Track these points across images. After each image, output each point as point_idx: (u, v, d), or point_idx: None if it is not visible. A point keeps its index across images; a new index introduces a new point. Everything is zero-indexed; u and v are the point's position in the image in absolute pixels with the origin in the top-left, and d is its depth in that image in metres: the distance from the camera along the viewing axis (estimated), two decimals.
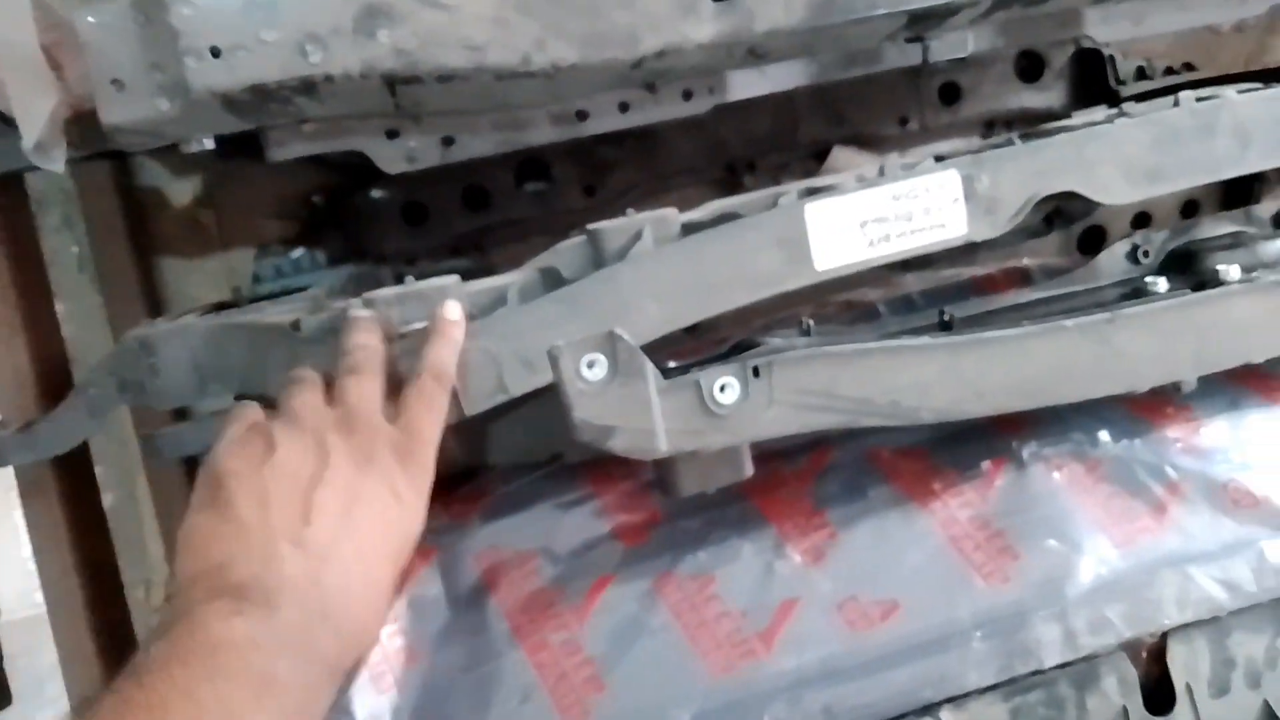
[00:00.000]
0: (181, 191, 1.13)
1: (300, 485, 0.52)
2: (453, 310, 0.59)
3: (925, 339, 0.57)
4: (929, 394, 0.57)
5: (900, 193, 0.61)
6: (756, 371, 0.55)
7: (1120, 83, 0.96)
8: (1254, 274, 0.63)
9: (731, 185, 1.21)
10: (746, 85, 0.73)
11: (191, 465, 1.08)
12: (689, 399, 0.54)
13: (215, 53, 0.56)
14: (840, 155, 1.22)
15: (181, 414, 1.03)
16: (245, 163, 1.06)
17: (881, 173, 0.62)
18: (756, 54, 0.65)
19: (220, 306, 0.84)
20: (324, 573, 0.51)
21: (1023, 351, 0.58)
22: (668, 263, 0.59)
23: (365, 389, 0.56)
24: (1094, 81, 0.97)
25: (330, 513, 0.52)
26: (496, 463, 0.67)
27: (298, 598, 0.49)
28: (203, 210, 1.14)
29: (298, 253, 1.13)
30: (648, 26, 0.61)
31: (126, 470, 1.10)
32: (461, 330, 0.58)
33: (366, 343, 0.58)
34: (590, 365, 0.53)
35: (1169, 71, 1.01)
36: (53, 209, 1.06)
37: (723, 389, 0.55)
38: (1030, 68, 0.97)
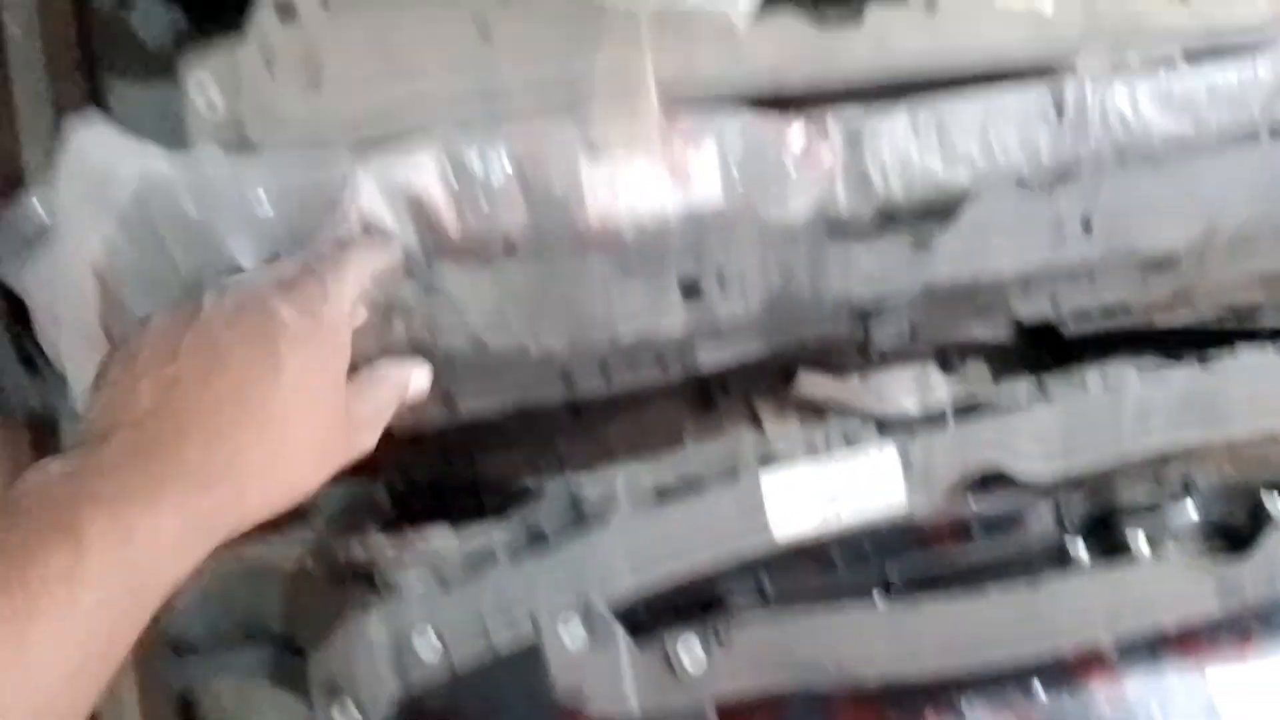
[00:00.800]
0: None
1: (168, 337, 0.50)
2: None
3: (867, 609, 0.64)
4: (872, 659, 0.64)
5: (845, 467, 0.70)
6: (719, 639, 0.62)
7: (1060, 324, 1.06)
8: (1162, 544, 0.71)
9: (705, 403, 1.30)
10: (715, 355, 0.82)
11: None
12: (658, 666, 0.61)
13: None
14: (805, 379, 1.32)
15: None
16: None
17: (828, 445, 0.70)
18: (720, 336, 0.75)
19: None
20: (170, 401, 0.47)
21: (955, 616, 0.66)
22: (640, 530, 0.67)
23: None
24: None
25: (195, 350, 0.49)
26: None
27: (132, 432, 0.45)
28: None
29: None
30: (624, 318, 0.70)
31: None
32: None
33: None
34: (569, 631, 0.59)
35: (1106, 313, 1.12)
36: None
37: (690, 654, 0.62)
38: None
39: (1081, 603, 0.67)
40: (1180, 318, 1.12)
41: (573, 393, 0.81)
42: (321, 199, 0.68)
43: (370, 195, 0.68)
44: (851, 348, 1.00)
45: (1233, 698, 0.71)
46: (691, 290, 0.71)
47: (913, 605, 0.65)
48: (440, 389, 0.79)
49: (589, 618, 0.60)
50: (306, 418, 0.51)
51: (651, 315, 0.71)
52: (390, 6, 0.76)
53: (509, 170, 0.71)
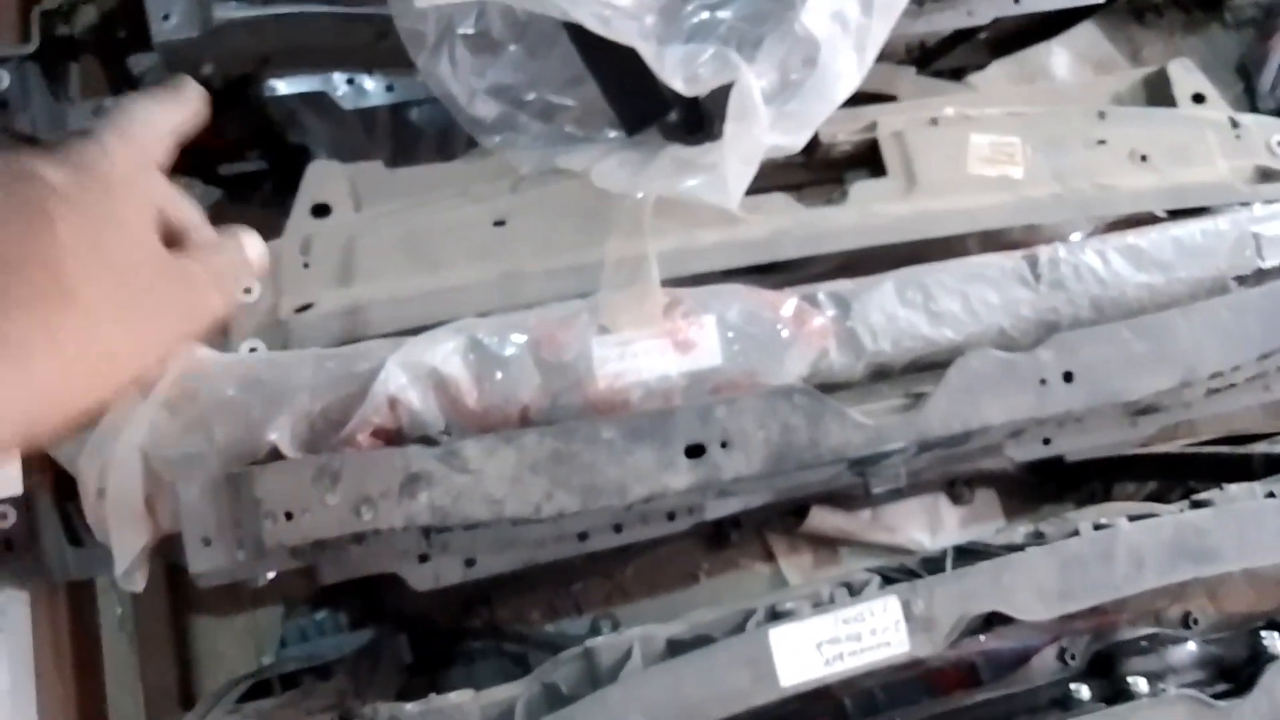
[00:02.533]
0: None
1: None
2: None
3: None
4: None
5: (849, 616, 0.73)
6: None
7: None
8: (1161, 684, 0.73)
9: (719, 541, 1.33)
10: (722, 506, 0.87)
11: None
12: None
13: (289, 516, 0.70)
14: (816, 515, 1.36)
15: None
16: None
17: (832, 599, 0.73)
18: (726, 492, 0.79)
19: (249, 693, 0.93)
20: None
21: None
22: (653, 685, 0.69)
23: None
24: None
25: None
26: None
27: None
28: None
29: (320, 614, 1.23)
30: (635, 479, 0.75)
31: None
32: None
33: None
34: None
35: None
36: (111, 601, 1.17)
37: None
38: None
39: None
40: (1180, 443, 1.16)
41: (587, 549, 0.85)
42: (355, 385, 0.74)
43: (398, 380, 0.74)
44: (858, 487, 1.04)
45: None
46: (697, 451, 0.76)
47: None
48: (461, 552, 0.83)
49: None
50: (100, 281, 0.46)
51: (659, 477, 0.75)
52: (415, 204, 0.85)
53: (524, 348, 0.77)
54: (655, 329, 0.80)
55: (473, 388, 0.76)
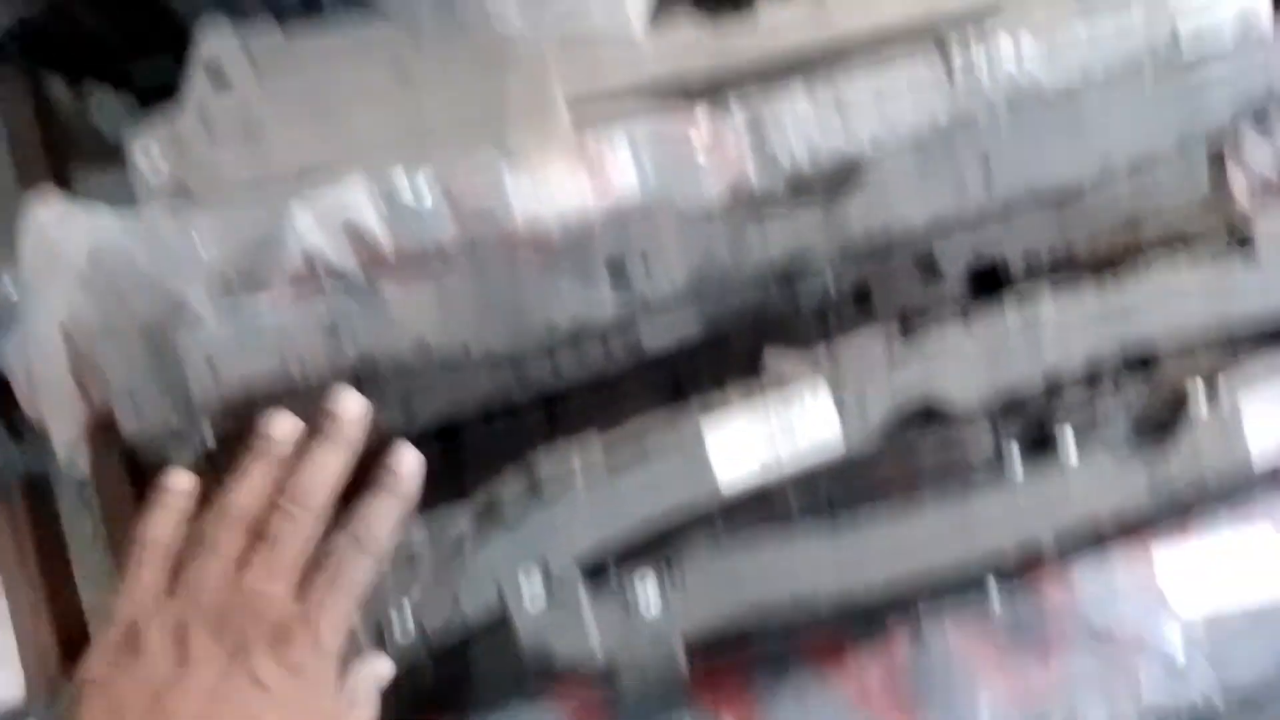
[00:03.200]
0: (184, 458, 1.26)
1: (154, 694, 0.48)
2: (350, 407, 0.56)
3: (812, 537, 0.68)
4: (821, 584, 0.68)
5: (779, 407, 0.74)
6: (673, 580, 0.66)
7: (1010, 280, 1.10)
8: (1092, 447, 0.75)
9: (676, 396, 1.34)
10: (659, 339, 0.88)
11: None
12: (617, 611, 0.65)
13: (213, 370, 0.70)
14: (772, 358, 1.37)
15: None
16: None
17: (762, 393, 0.75)
18: (654, 315, 0.80)
19: None
20: None
21: (896, 534, 0.69)
22: (590, 495, 0.71)
23: (259, 567, 0.51)
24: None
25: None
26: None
27: None
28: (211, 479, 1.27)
29: None
30: (560, 309, 0.75)
31: None
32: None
33: (319, 467, 0.54)
34: (532, 595, 0.64)
35: (1055, 266, 1.16)
36: (70, 493, 1.18)
37: (648, 600, 0.66)
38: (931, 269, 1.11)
39: (1018, 508, 0.71)
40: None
41: (526, 387, 0.86)
42: (264, 237, 0.74)
43: (309, 228, 0.74)
44: (812, 327, 1.03)
45: (1185, 587, 0.74)
46: (619, 277, 0.76)
47: (855, 528, 0.69)
48: (397, 398, 0.84)
49: (548, 577, 0.64)
50: None
51: (583, 304, 0.76)
52: (314, 64, 0.84)
53: (438, 195, 0.77)
54: (568, 165, 0.79)
55: (388, 237, 0.76)
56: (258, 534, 0.53)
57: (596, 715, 0.71)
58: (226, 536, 0.53)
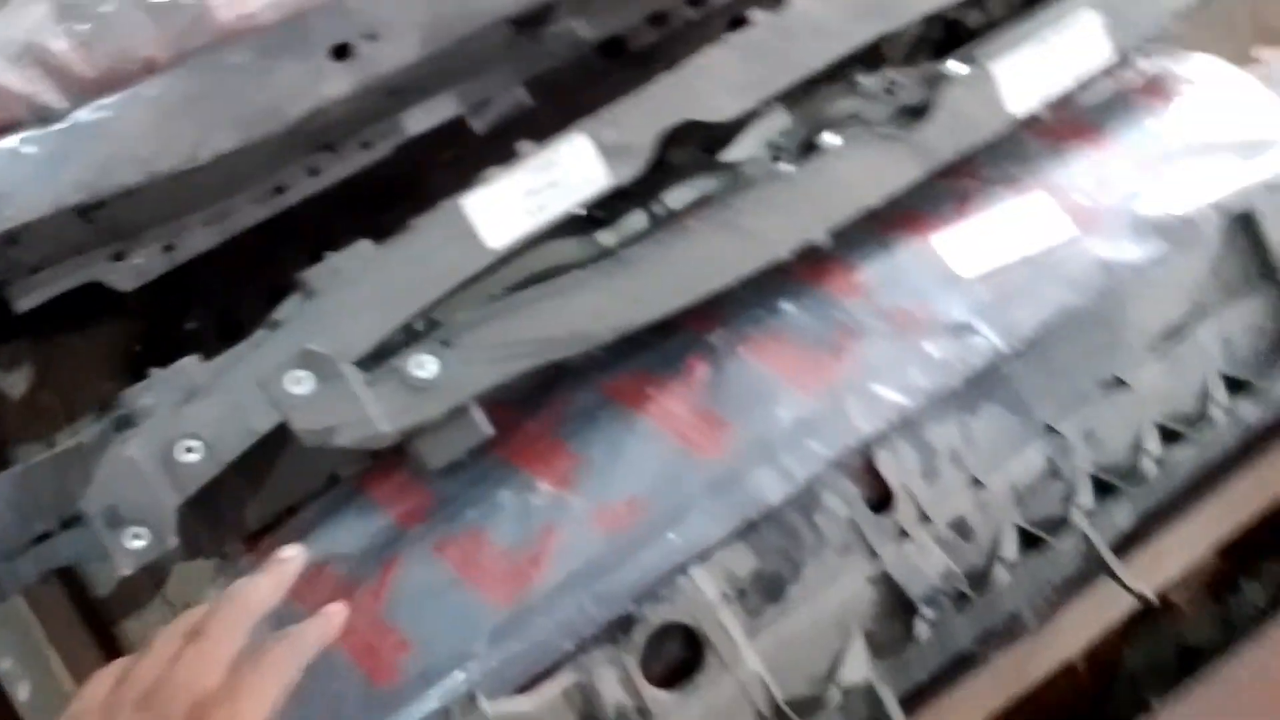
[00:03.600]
0: (16, 382, 1.19)
1: None
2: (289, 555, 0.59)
3: (578, 272, 0.67)
4: (600, 316, 0.67)
5: (540, 165, 0.71)
6: (447, 343, 0.65)
7: None
8: (857, 135, 0.74)
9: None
10: (417, 121, 0.84)
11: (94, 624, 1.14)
12: (394, 383, 0.64)
13: None
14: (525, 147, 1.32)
15: None
16: (64, 337, 1.14)
17: (517, 154, 0.72)
18: (396, 91, 0.76)
19: None
20: None
21: (667, 258, 0.69)
22: (359, 283, 0.68)
23: (190, 660, 0.55)
24: None
25: None
26: (289, 505, 0.75)
27: None
28: (42, 393, 1.21)
29: None
30: (287, 97, 0.71)
31: (35, 654, 1.14)
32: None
33: (248, 591, 0.58)
34: (297, 381, 0.62)
35: None
36: None
37: (423, 366, 0.64)
38: None
39: (786, 207, 0.70)
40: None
41: (288, 202, 0.82)
42: None
43: None
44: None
45: (963, 256, 0.75)
46: (343, 51, 0.71)
47: (625, 259, 0.68)
48: (159, 237, 0.80)
49: (313, 365, 0.62)
50: None
51: (313, 88, 0.71)
52: None
53: None
54: None
55: (81, 54, 0.69)
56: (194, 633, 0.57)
57: (423, 517, 0.71)
58: (165, 638, 0.57)
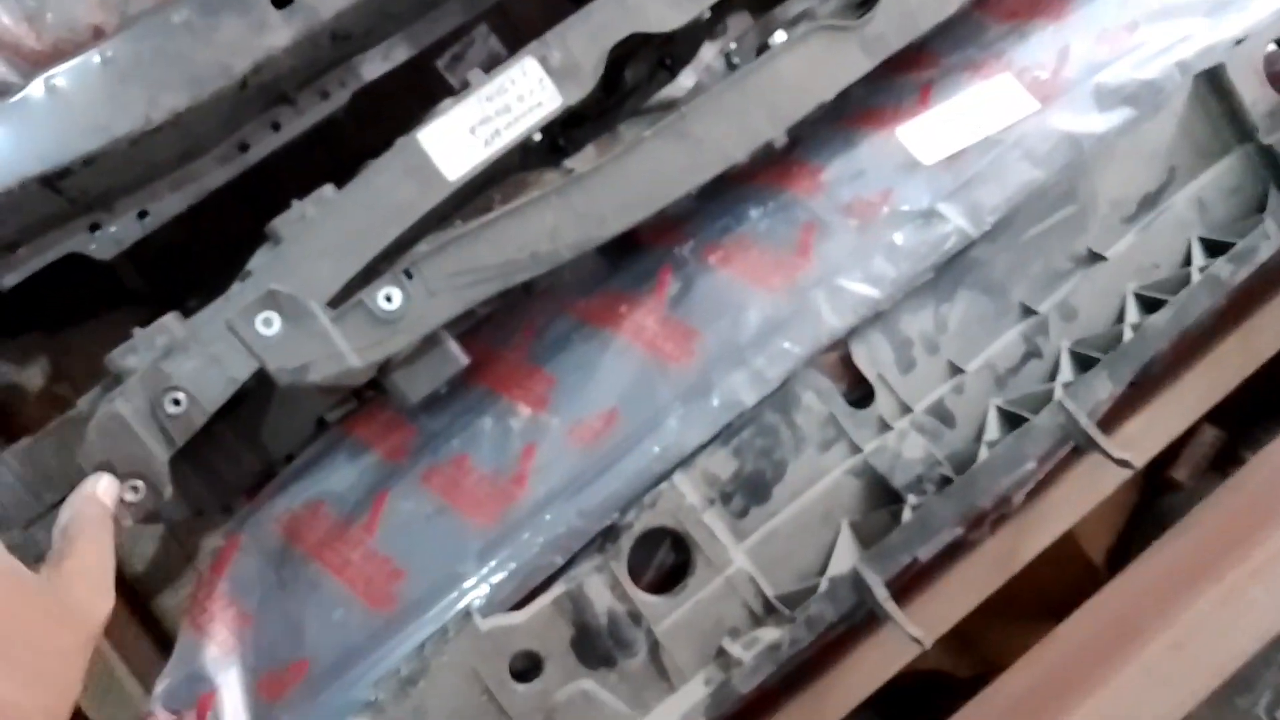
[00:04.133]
0: (33, 376, 1.22)
1: None
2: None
3: (533, 193, 0.67)
4: (559, 235, 0.67)
5: (491, 93, 0.71)
6: (409, 274, 0.65)
7: None
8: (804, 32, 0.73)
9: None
10: (373, 67, 0.84)
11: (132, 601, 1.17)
12: (361, 317, 0.64)
13: None
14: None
15: None
16: (76, 330, 1.16)
17: (467, 84, 0.72)
18: (343, 37, 0.76)
19: None
20: None
21: (622, 173, 0.68)
22: (324, 226, 0.69)
23: None
24: None
25: None
26: (283, 456, 0.77)
27: None
28: (58, 385, 1.24)
29: None
30: (233, 53, 0.71)
31: None
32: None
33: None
34: (266, 323, 0.63)
35: None
36: None
37: (388, 298, 0.65)
38: None
39: (735, 110, 0.70)
40: None
41: (253, 159, 0.82)
42: None
43: None
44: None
45: (926, 144, 0.74)
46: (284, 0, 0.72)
47: (576, 178, 0.68)
48: (131, 205, 0.81)
49: (280, 306, 0.63)
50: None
51: (259, 40, 0.71)
52: None
53: None
54: None
55: (26, 27, 0.70)
56: None
57: (408, 451, 0.72)
58: None
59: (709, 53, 0.87)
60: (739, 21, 0.83)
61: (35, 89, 0.69)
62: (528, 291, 0.69)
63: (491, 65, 0.99)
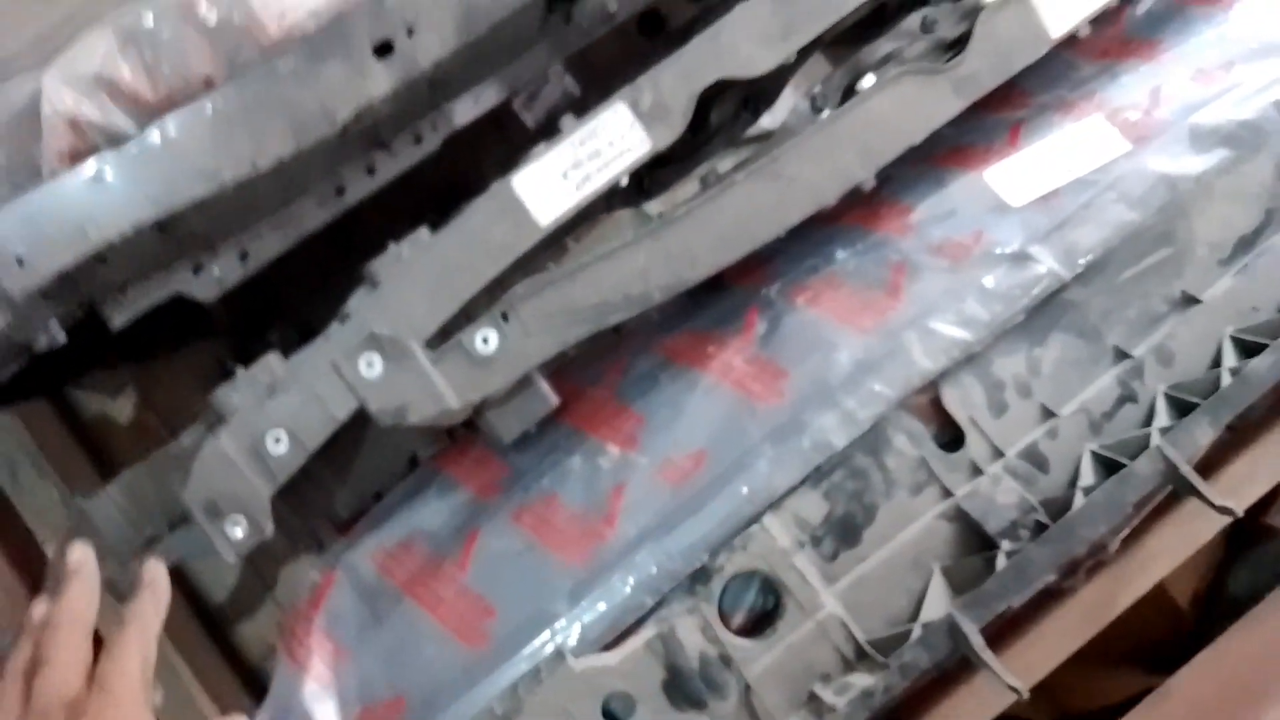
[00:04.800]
0: (123, 408, 1.27)
1: None
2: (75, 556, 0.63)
3: (628, 237, 0.68)
4: (651, 277, 0.68)
5: (583, 138, 0.73)
6: (505, 317, 0.67)
7: None
8: (894, 74, 0.73)
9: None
10: (464, 111, 0.86)
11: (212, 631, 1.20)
12: (460, 358, 0.66)
13: (20, 261, 0.70)
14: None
15: None
16: (161, 361, 1.20)
17: (550, 125, 0.73)
18: (439, 83, 0.78)
19: None
20: None
21: (713, 214, 0.69)
22: (420, 269, 0.71)
23: (47, 676, 0.57)
24: None
25: None
26: (374, 493, 0.78)
27: None
28: (146, 415, 1.28)
29: None
30: (336, 99, 0.74)
31: (164, 662, 1.21)
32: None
33: (65, 606, 0.60)
34: (369, 365, 0.65)
35: None
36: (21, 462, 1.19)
37: (485, 340, 0.66)
38: None
39: (826, 152, 0.70)
40: None
41: (349, 203, 0.85)
42: (23, 122, 0.72)
43: (64, 100, 0.72)
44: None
45: (1015, 185, 0.74)
46: (385, 49, 0.74)
47: (671, 219, 0.69)
48: (233, 246, 0.84)
49: (381, 347, 0.65)
50: None
51: (360, 88, 0.74)
52: None
53: (176, 21, 0.74)
54: None
55: (144, 79, 0.73)
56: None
57: (500, 489, 0.73)
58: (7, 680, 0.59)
59: (790, 96, 0.87)
60: (817, 66, 0.84)
61: (150, 136, 0.72)
62: (616, 332, 0.70)
63: (567, 104, 1.02)
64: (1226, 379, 0.68)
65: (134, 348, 1.17)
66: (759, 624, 0.66)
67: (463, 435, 0.76)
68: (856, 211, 0.75)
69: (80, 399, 1.23)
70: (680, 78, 0.74)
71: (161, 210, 0.72)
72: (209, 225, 0.79)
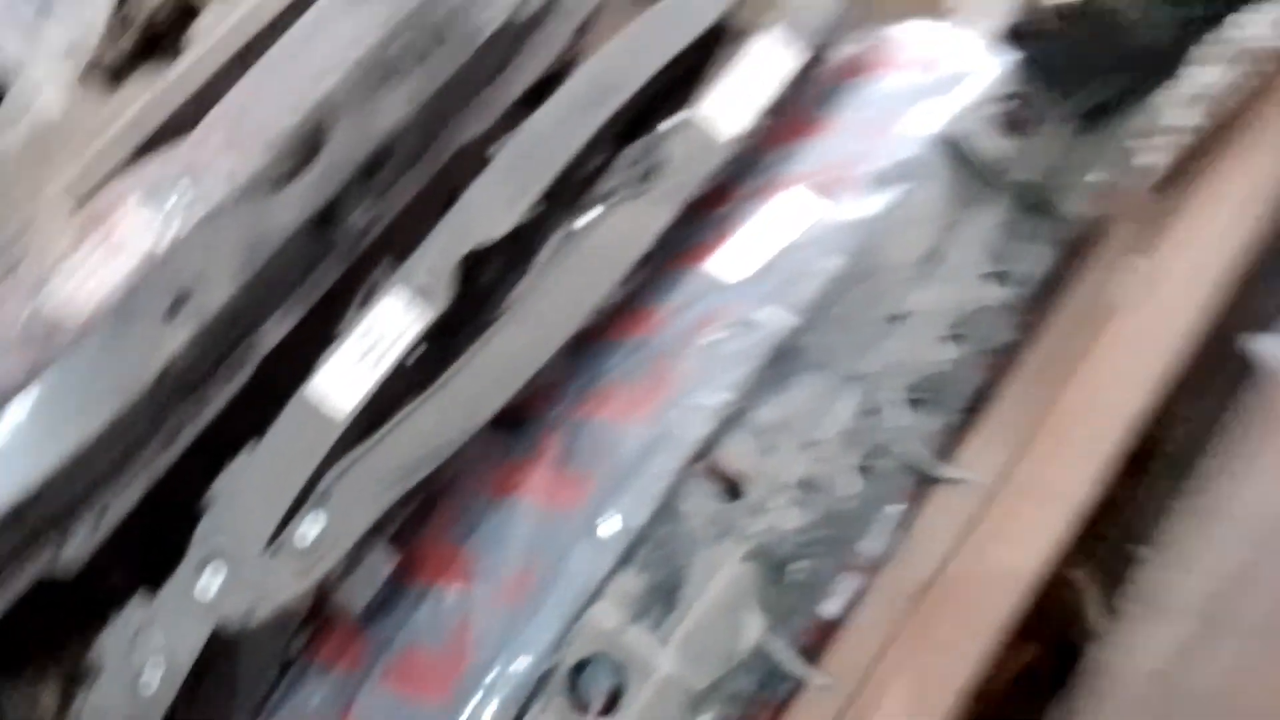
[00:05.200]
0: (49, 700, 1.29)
1: None
2: None
3: (419, 398, 0.78)
4: (442, 431, 0.77)
5: (364, 330, 0.83)
6: (324, 501, 0.75)
7: None
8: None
9: None
10: (272, 335, 0.97)
11: None
12: (291, 550, 0.74)
13: None
14: None
15: None
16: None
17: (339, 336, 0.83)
18: (238, 319, 0.89)
19: None
20: None
21: (482, 364, 0.79)
22: (246, 486, 0.79)
23: None
24: None
25: None
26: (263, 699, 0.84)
27: None
28: None
29: None
30: (142, 362, 0.83)
31: None
32: None
33: None
34: (213, 574, 0.72)
35: None
36: None
37: (311, 527, 0.75)
38: None
39: (568, 284, 0.82)
40: None
41: (185, 440, 0.94)
42: None
43: None
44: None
45: (734, 266, 0.86)
46: (175, 309, 0.84)
47: (447, 378, 0.78)
48: (83, 520, 0.91)
49: (221, 558, 0.73)
50: None
51: (160, 346, 0.84)
52: None
53: None
54: (83, 249, 0.86)
55: None
56: None
57: (363, 661, 0.80)
58: None
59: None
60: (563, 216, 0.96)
61: None
62: (433, 484, 0.79)
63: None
64: (946, 371, 0.79)
65: (43, 638, 1.21)
66: (616, 701, 0.73)
67: (324, 621, 0.83)
68: (613, 327, 0.86)
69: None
70: (441, 252, 0.85)
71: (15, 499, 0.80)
72: (58, 501, 0.86)
